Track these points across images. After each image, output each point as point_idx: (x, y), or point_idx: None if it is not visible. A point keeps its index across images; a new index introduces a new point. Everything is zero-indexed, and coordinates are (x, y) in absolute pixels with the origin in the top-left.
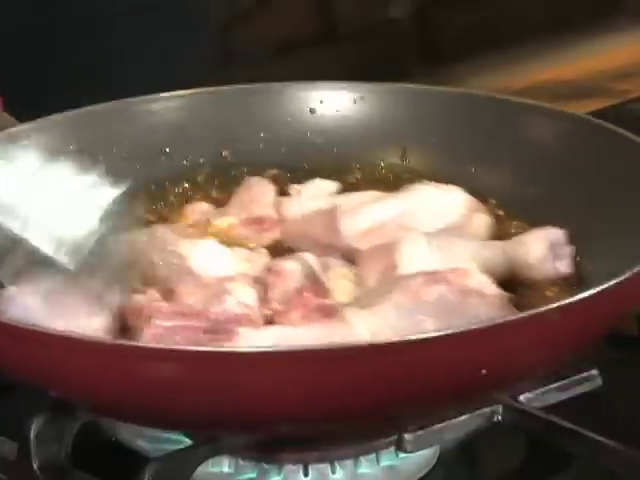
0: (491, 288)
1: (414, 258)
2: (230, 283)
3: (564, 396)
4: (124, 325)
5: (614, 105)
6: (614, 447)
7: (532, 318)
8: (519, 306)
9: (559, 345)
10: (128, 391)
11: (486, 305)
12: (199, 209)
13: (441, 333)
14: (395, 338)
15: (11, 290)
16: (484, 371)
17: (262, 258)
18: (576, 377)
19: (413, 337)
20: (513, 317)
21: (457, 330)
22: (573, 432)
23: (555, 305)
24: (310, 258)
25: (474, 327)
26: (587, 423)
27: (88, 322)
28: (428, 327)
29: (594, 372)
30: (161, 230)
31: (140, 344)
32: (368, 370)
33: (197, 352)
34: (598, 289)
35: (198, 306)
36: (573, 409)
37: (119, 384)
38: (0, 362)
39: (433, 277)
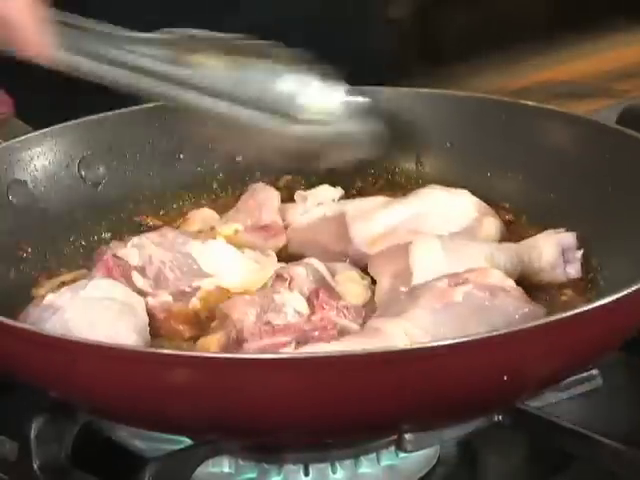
0: (510, 283)
1: (428, 260)
2: (279, 293)
3: (564, 396)
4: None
5: (614, 105)
6: (614, 447)
7: (559, 322)
8: None
9: (586, 349)
10: (138, 396)
11: (512, 299)
12: (203, 215)
13: (460, 340)
14: (414, 345)
15: (51, 298)
16: (505, 377)
17: (271, 259)
18: (576, 377)
19: (431, 344)
20: (542, 321)
21: (478, 337)
22: (573, 432)
23: (590, 306)
24: (316, 263)
25: (498, 333)
26: (587, 423)
27: (124, 330)
28: (465, 328)
29: (594, 372)
30: (171, 232)
31: (147, 350)
32: (386, 378)
33: (208, 358)
34: (624, 293)
35: (245, 317)
36: (573, 409)
37: (128, 389)
38: (16, 367)
39: (455, 279)
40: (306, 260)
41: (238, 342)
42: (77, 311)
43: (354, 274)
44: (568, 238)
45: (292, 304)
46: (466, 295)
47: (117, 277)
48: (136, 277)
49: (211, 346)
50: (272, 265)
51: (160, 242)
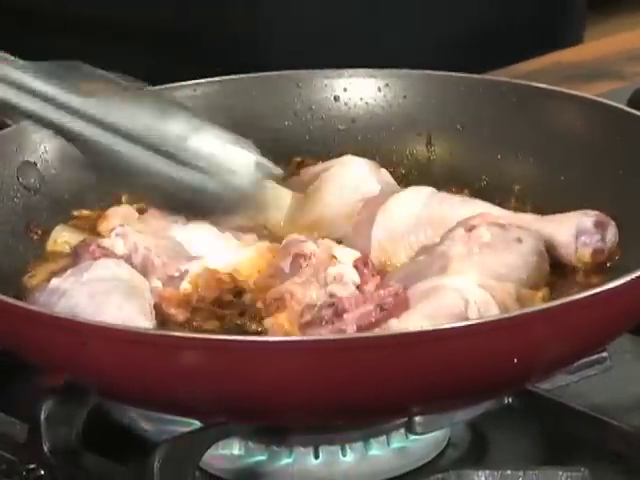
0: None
1: (401, 210)
2: (333, 266)
3: (575, 378)
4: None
5: (624, 87)
6: (624, 430)
7: (565, 306)
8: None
9: (597, 331)
10: (148, 379)
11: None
12: (122, 212)
13: (470, 322)
14: (424, 328)
15: (56, 282)
16: (516, 360)
17: (249, 237)
18: (587, 359)
19: (441, 327)
20: (552, 304)
21: (488, 319)
22: (583, 414)
23: (601, 289)
24: (300, 237)
25: (508, 316)
26: (597, 405)
27: (132, 313)
28: (514, 261)
29: (604, 354)
30: (153, 219)
31: (158, 332)
32: (397, 361)
33: (218, 340)
34: (630, 277)
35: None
36: (583, 391)
37: (138, 372)
38: (27, 349)
39: (469, 222)
40: (294, 237)
41: (337, 314)
42: (83, 294)
43: (329, 242)
44: (585, 222)
45: (350, 275)
46: (492, 235)
47: None
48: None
49: (285, 324)
50: (252, 242)
51: (142, 229)
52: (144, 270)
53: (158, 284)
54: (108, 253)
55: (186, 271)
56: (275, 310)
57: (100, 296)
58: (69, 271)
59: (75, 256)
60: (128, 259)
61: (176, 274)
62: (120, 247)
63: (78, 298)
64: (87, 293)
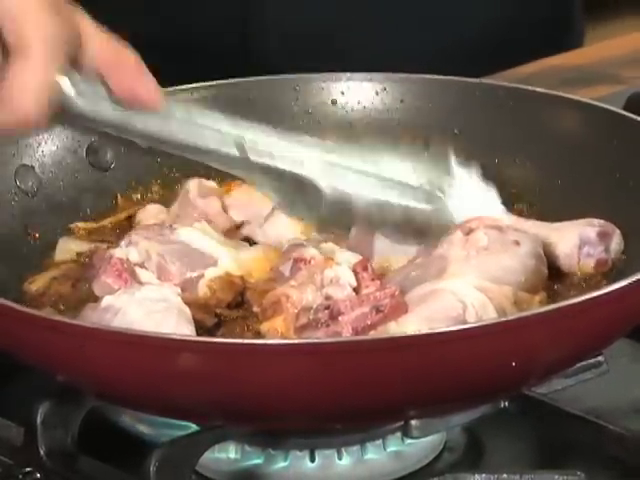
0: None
1: None
2: (330, 268)
3: (571, 382)
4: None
5: (620, 91)
6: (619, 433)
7: (562, 309)
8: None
9: (596, 335)
10: (146, 381)
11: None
12: (152, 213)
13: (467, 326)
14: (422, 332)
15: (109, 300)
16: (514, 364)
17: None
18: (583, 363)
19: (438, 330)
20: (551, 307)
21: (486, 323)
22: (579, 418)
23: (599, 293)
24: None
25: (506, 319)
26: (593, 409)
27: (184, 331)
28: (512, 264)
29: (601, 358)
30: (156, 225)
31: (155, 334)
32: (394, 364)
33: (215, 343)
34: (628, 281)
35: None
36: (579, 395)
37: (136, 374)
38: (24, 352)
39: (467, 225)
40: (295, 241)
41: (332, 317)
42: (140, 313)
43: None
44: (589, 233)
45: (347, 277)
46: (489, 238)
47: (128, 279)
48: (141, 272)
49: (280, 328)
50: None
51: (151, 236)
52: (160, 277)
53: (177, 290)
54: (125, 262)
55: (201, 275)
56: (272, 314)
57: (157, 314)
58: (120, 291)
59: (90, 267)
60: (142, 267)
61: (194, 276)
62: (134, 255)
63: (134, 316)
64: (143, 311)
